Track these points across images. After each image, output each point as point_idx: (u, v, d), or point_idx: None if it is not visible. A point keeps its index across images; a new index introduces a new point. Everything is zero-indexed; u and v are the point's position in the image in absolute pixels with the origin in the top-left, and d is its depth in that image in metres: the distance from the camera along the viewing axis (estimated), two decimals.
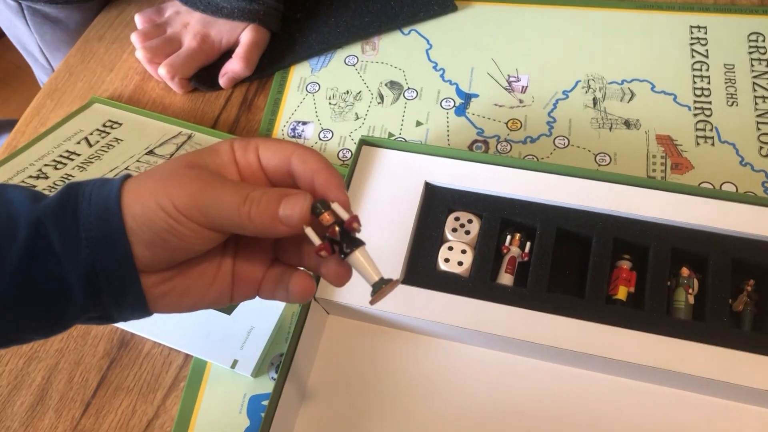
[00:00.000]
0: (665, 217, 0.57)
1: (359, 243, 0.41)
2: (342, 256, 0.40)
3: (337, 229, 0.40)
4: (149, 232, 0.38)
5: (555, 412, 0.55)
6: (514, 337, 0.53)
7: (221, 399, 0.58)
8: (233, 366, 0.58)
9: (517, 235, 0.59)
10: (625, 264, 0.57)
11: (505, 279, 0.58)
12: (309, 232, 0.39)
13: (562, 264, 0.58)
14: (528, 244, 0.59)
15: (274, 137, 0.42)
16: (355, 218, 0.40)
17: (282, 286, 0.44)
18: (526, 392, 0.55)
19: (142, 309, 0.42)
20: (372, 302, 0.41)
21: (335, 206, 0.40)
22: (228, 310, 0.55)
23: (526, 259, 0.58)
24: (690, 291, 0.55)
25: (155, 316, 0.49)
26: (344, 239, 0.40)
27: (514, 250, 0.58)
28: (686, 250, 0.56)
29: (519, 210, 0.59)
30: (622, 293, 0.56)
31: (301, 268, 0.44)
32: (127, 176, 0.41)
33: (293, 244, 0.44)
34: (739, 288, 0.56)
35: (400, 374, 0.57)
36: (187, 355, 0.61)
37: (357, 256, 0.40)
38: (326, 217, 0.40)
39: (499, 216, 0.59)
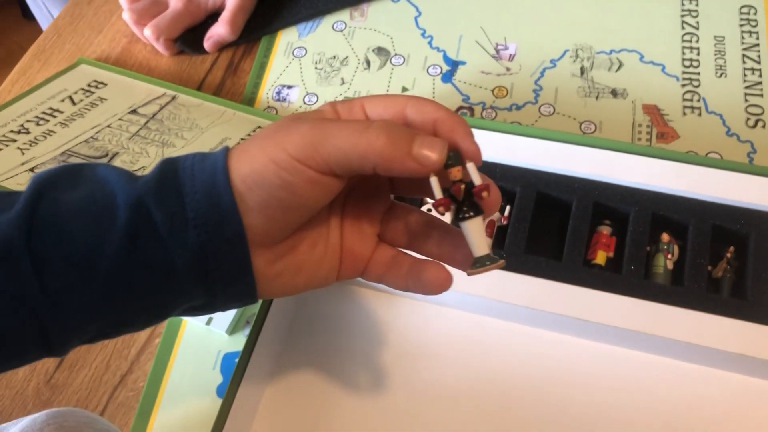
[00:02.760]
0: (647, 182, 0.57)
1: (479, 210, 0.36)
2: (459, 217, 0.36)
3: (462, 187, 0.36)
4: (262, 193, 0.35)
5: (531, 376, 0.54)
6: (488, 297, 0.53)
7: (195, 355, 0.58)
8: (208, 323, 0.58)
9: None
10: (605, 229, 0.57)
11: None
12: (434, 181, 0.35)
13: (541, 228, 0.58)
14: (508, 207, 0.58)
15: (375, 95, 0.38)
16: (486, 186, 0.35)
17: (398, 273, 0.40)
18: (502, 355, 0.55)
19: (250, 293, 0.38)
20: (470, 273, 0.38)
21: (470, 166, 0.36)
22: None
23: (505, 222, 0.57)
24: (669, 257, 0.55)
25: None
26: (465, 201, 0.36)
27: (494, 214, 0.58)
28: (667, 217, 0.56)
29: (500, 174, 0.59)
30: (600, 258, 0.55)
31: (432, 260, 0.40)
32: (227, 147, 0.37)
33: (402, 219, 0.41)
34: (719, 255, 0.55)
35: (378, 336, 0.57)
36: None
37: (475, 223, 0.36)
38: (455, 172, 0.36)
39: None
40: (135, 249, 0.34)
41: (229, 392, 0.50)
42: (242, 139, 0.62)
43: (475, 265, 0.37)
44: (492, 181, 0.37)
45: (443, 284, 0.39)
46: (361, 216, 0.41)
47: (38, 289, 0.34)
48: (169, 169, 0.36)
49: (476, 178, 0.36)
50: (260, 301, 0.54)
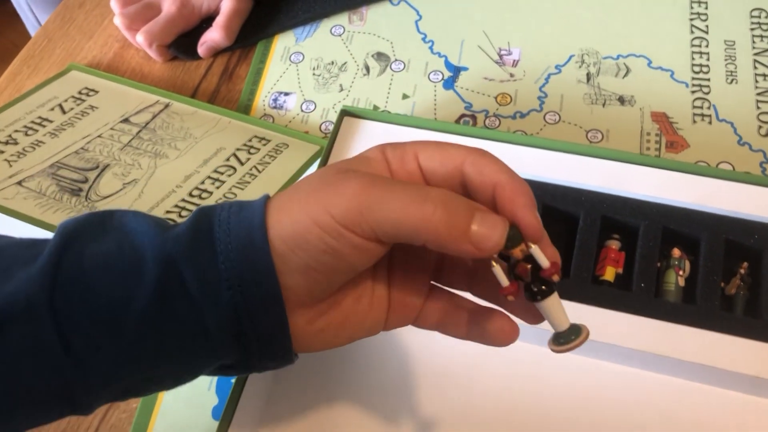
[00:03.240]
0: (657, 195, 0.55)
1: (553, 287, 0.34)
2: (533, 299, 0.34)
3: (528, 267, 0.33)
4: (304, 256, 0.32)
5: (537, 398, 0.52)
6: None
7: None
8: None
9: None
10: (614, 244, 0.55)
11: None
12: (497, 269, 0.33)
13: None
14: None
15: (429, 141, 0.36)
16: (556, 267, 0.33)
17: (458, 321, 0.38)
18: (508, 378, 0.53)
19: (287, 353, 0.36)
20: (556, 351, 0.35)
21: (535, 250, 0.33)
22: None
23: None
24: (681, 273, 0.53)
25: None
26: (535, 280, 0.34)
27: None
28: (678, 231, 0.54)
29: None
30: (609, 274, 0.53)
31: (497, 308, 0.38)
32: (267, 197, 0.34)
33: (461, 266, 0.38)
34: (732, 271, 0.53)
35: (376, 346, 0.55)
36: None
37: (550, 302, 0.34)
38: (517, 252, 0.33)
39: None
40: (164, 308, 0.32)
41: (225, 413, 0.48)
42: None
43: (559, 341, 0.35)
44: (558, 256, 0.35)
45: (509, 336, 0.37)
46: (409, 262, 0.38)
47: (61, 348, 0.32)
48: (204, 221, 0.34)
49: (543, 261, 0.33)
50: None
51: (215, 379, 0.55)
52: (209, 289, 0.32)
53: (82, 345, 0.32)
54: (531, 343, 0.54)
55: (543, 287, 0.34)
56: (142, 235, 0.33)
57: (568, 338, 0.34)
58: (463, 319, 0.38)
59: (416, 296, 0.38)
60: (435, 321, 0.39)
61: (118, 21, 0.73)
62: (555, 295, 0.34)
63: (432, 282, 0.40)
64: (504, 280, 0.33)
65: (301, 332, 0.35)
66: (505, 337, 0.37)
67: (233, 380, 0.51)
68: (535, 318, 0.36)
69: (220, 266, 0.32)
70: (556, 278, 0.33)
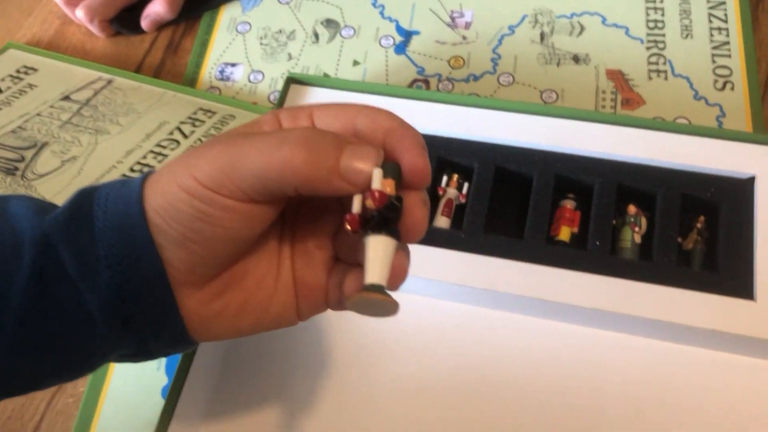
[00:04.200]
0: (611, 152, 0.53)
1: (395, 234, 0.31)
2: (367, 229, 0.30)
3: (379, 197, 0.30)
4: (179, 226, 0.31)
5: (496, 359, 0.51)
6: (448, 281, 0.50)
7: None
8: None
9: (455, 176, 0.55)
10: (569, 203, 0.53)
11: (442, 222, 0.53)
12: (357, 197, 0.30)
13: (501, 205, 0.54)
14: (466, 185, 0.54)
15: (328, 102, 0.34)
16: (382, 196, 0.30)
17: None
18: (464, 340, 0.52)
19: (183, 338, 0.34)
20: (349, 300, 0.32)
21: (377, 172, 0.30)
22: None
23: (464, 201, 0.54)
24: (637, 230, 0.51)
25: None
26: (382, 217, 0.30)
27: (451, 192, 0.54)
28: (633, 187, 0.53)
29: (457, 149, 0.55)
30: (564, 234, 0.52)
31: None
32: (149, 173, 0.33)
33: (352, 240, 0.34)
34: (689, 226, 0.52)
35: (333, 326, 0.54)
36: None
37: (376, 243, 0.30)
38: (385, 184, 0.30)
39: (435, 156, 0.55)
40: (44, 291, 0.30)
41: (172, 391, 0.47)
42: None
43: (364, 291, 0.30)
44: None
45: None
46: (308, 240, 0.36)
47: None
48: (85, 201, 0.32)
49: (376, 183, 0.30)
50: None
51: (164, 359, 0.54)
52: (88, 269, 0.30)
53: None
54: (486, 307, 0.52)
55: (383, 229, 0.30)
56: (21, 219, 0.31)
57: (371, 292, 0.30)
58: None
59: (318, 275, 0.35)
60: (337, 297, 0.36)
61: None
62: (389, 243, 0.30)
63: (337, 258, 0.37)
64: (357, 207, 0.30)
65: (196, 315, 0.33)
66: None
67: (180, 357, 0.49)
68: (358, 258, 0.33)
69: (98, 245, 0.31)
70: (396, 206, 0.30)
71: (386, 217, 0.30)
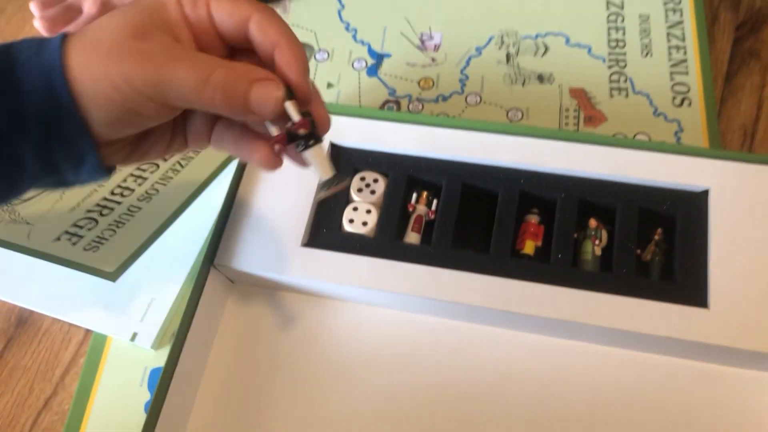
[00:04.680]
0: (574, 168, 0.56)
1: (318, 138, 0.40)
2: (300, 149, 0.40)
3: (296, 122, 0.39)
4: (107, 112, 0.36)
5: (462, 371, 0.53)
6: (418, 294, 0.52)
7: (122, 373, 0.56)
8: (133, 339, 0.56)
9: (424, 193, 0.57)
10: (533, 218, 0.56)
11: (412, 238, 0.56)
12: (270, 125, 0.40)
13: (469, 221, 0.56)
14: (435, 201, 0.57)
15: None
16: (303, 123, 0.39)
17: (236, 146, 0.42)
18: (434, 352, 0.54)
19: (100, 173, 0.39)
20: (319, 198, 0.42)
21: (288, 105, 0.38)
22: (112, 276, 0.52)
23: (433, 217, 0.56)
24: (597, 242, 0.54)
25: (53, 290, 0.53)
26: (309, 135, 0.39)
27: (421, 209, 0.57)
28: (594, 202, 0.55)
29: (426, 168, 0.58)
30: (529, 247, 0.54)
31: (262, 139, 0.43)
32: (64, 37, 0.36)
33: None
34: (648, 238, 0.55)
35: (308, 341, 0.56)
36: (87, 331, 0.59)
37: (313, 153, 0.40)
38: (296, 109, 0.39)
39: (406, 174, 0.57)
40: None
41: (153, 407, 0.48)
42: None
43: (324, 188, 0.40)
44: (322, 114, 0.41)
45: (270, 165, 0.41)
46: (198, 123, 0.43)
47: None
48: (4, 61, 0.36)
49: (294, 116, 0.38)
50: (182, 313, 0.52)
51: (147, 374, 0.56)
52: (18, 126, 0.35)
53: None
54: (455, 319, 0.55)
55: (310, 140, 0.39)
56: None
57: (330, 185, 0.40)
58: (231, 137, 0.42)
59: (208, 126, 0.43)
60: (219, 141, 0.43)
61: (38, 24, 0.72)
62: (318, 148, 0.40)
63: None
64: (273, 131, 0.40)
65: (110, 158, 0.40)
66: (266, 164, 0.41)
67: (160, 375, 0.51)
68: (302, 164, 0.42)
69: (25, 106, 0.35)
70: (302, 132, 0.39)
71: (311, 133, 0.39)
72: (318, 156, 0.40)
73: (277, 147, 0.40)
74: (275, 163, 0.41)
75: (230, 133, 0.42)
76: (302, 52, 0.39)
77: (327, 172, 0.40)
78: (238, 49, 0.40)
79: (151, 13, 0.37)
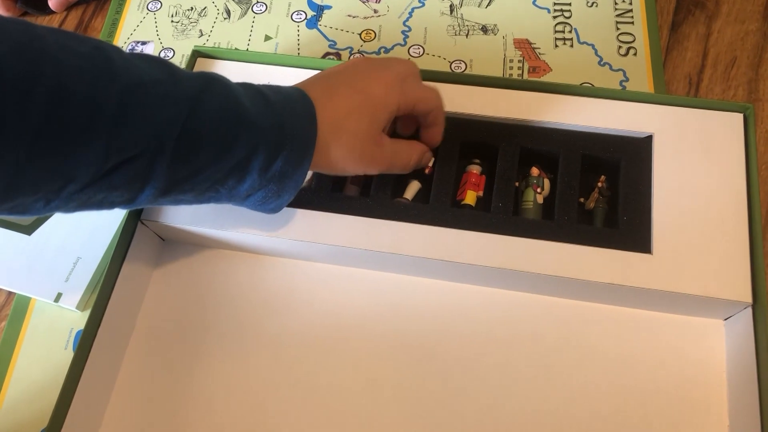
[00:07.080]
0: (515, 116, 0.54)
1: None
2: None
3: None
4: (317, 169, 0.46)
5: (403, 324, 0.52)
6: (356, 246, 0.50)
7: (46, 335, 0.53)
8: (57, 300, 0.53)
9: None
10: (475, 168, 0.54)
11: (351, 190, 0.54)
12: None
13: (411, 173, 0.54)
14: None
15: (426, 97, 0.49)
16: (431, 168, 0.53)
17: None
18: (372, 305, 0.52)
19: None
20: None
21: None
22: (28, 230, 0.49)
23: None
24: (539, 191, 0.52)
25: None
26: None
27: None
28: (536, 150, 0.53)
29: None
30: (470, 198, 0.53)
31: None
32: (309, 101, 0.45)
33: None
34: (592, 186, 0.53)
35: (241, 296, 0.53)
36: (10, 293, 0.56)
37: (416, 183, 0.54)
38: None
39: None
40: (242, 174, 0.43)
41: (72, 370, 0.46)
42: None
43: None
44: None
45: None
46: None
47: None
48: (291, 122, 0.43)
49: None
50: (106, 266, 0.49)
51: (72, 337, 0.53)
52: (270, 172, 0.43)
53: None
54: (395, 272, 0.53)
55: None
56: (258, 116, 0.42)
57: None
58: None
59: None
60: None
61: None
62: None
63: None
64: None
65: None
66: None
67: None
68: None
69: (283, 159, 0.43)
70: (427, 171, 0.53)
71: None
72: (414, 187, 0.54)
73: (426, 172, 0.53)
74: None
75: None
76: (443, 115, 0.50)
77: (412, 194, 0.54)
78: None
79: (388, 117, 0.47)
